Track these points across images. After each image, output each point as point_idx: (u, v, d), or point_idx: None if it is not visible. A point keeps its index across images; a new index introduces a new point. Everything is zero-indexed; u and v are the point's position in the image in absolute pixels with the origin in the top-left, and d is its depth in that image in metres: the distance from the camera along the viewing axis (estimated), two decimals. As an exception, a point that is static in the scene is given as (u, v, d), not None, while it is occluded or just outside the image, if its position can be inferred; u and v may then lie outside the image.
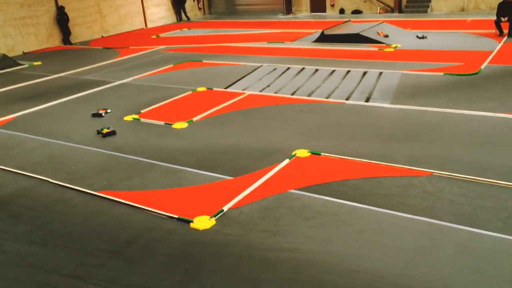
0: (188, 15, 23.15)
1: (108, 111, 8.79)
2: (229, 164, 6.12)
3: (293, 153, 6.23)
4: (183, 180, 5.73)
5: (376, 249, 4.09)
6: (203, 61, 12.89)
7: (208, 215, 4.78)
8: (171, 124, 7.80)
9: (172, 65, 12.60)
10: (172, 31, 19.49)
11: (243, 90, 9.75)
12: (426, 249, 4.03)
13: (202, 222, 4.63)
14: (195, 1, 24.33)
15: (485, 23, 15.09)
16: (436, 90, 8.77)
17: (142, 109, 8.74)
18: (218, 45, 15.41)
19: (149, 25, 21.60)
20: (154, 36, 18.40)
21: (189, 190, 5.46)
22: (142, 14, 21.28)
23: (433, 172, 5.41)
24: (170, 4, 22.74)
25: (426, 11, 19.44)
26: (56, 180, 5.91)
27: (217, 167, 6.02)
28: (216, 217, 4.75)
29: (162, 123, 7.92)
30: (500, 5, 13.20)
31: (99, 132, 7.56)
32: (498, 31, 13.26)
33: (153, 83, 10.79)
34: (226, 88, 10.00)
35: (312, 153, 6.20)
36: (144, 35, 18.96)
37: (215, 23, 21.47)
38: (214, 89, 9.92)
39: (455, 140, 6.40)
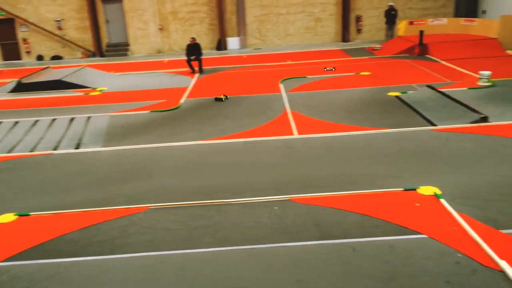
0: None
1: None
2: None
3: (-5, 220, 5.45)
4: None
5: (101, 298, 3.98)
6: None
7: None
8: None
9: None
10: None
11: None
12: (147, 283, 4.16)
13: None
14: None
15: (179, 63, 16.89)
16: (145, 127, 9.25)
17: None
18: None
19: None
20: None
21: None
22: None
23: (150, 206, 5.66)
24: None
25: (126, 54, 20.42)
26: None
27: None
28: None
29: None
30: (187, 46, 15.05)
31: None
32: (190, 69, 15.08)
33: None
34: None
35: (19, 215, 5.56)
36: None
37: None
38: None
39: (166, 172, 6.88)
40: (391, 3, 19.15)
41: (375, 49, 17.36)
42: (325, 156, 7.10)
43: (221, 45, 20.49)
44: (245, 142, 7.99)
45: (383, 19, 19.65)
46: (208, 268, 4.34)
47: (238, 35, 20.68)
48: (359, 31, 20.89)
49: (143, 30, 20.53)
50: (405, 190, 5.61)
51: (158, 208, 5.62)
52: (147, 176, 6.76)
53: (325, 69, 12.48)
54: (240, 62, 17.00)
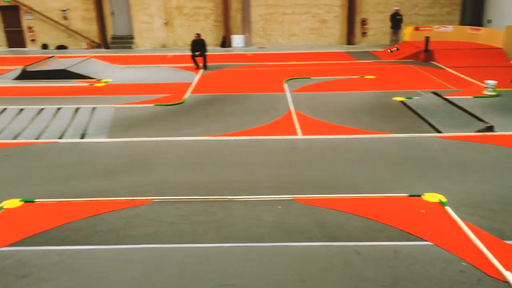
0: None
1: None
2: None
3: (0, 205, 5.44)
4: None
5: (104, 288, 3.98)
6: None
7: None
8: None
9: None
10: None
11: None
12: (150, 275, 4.16)
13: None
14: None
15: (184, 58, 16.86)
16: (149, 120, 9.24)
17: None
18: None
19: None
20: None
21: None
22: None
23: (154, 199, 5.66)
24: None
25: (131, 47, 20.38)
26: None
27: None
28: None
29: None
30: (192, 42, 15.03)
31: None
32: (195, 65, 15.05)
33: None
34: None
35: (24, 201, 5.56)
36: None
37: None
38: None
39: (170, 166, 6.88)
40: (396, 8, 19.18)
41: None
42: (329, 158, 7.10)
43: (225, 42, 20.48)
44: (249, 140, 7.99)
45: (388, 23, 19.66)
46: (210, 264, 4.34)
47: (243, 33, 20.67)
48: (364, 34, 20.91)
49: (148, 23, 20.49)
50: (410, 196, 5.62)
51: (162, 201, 5.62)
52: (150, 169, 6.75)
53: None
54: (244, 60, 16.99)
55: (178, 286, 4.00)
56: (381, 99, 10.70)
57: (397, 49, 15.91)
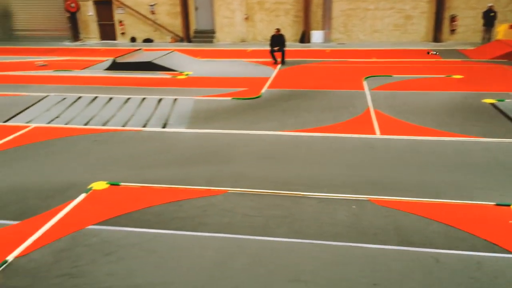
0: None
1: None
2: (13, 207, 5.40)
3: (89, 187, 5.87)
4: (-49, 233, 4.80)
5: (179, 273, 4.14)
6: (-26, 92, 11.18)
7: (-13, 270, 4.11)
8: None
9: None
10: None
11: (27, 122, 8.79)
12: (224, 264, 4.27)
13: (-20, 280, 3.95)
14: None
15: (262, 53, 17.02)
16: (226, 113, 9.45)
17: None
18: (-8, 73, 13.59)
19: None
20: None
21: (-40, 244, 4.60)
22: None
23: (229, 190, 5.79)
24: None
25: (212, 41, 20.95)
26: None
27: (-3, 213, 5.24)
28: (-2, 270, 4.12)
29: None
30: (272, 37, 15.13)
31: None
32: (273, 60, 15.13)
33: None
34: (5, 122, 8.85)
35: (110, 184, 5.95)
36: None
37: (-13, 49, 18.90)
38: (-10, 123, 8.69)
39: (246, 158, 6.99)
40: (490, 4, 17.88)
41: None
42: (408, 160, 6.82)
43: (304, 38, 20.34)
44: (325, 137, 7.89)
45: (480, 21, 18.40)
46: (282, 258, 4.36)
47: (323, 29, 20.38)
48: (452, 31, 19.73)
49: (230, 18, 20.90)
50: (497, 205, 5.24)
51: (237, 193, 5.73)
52: (227, 160, 6.91)
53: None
54: (323, 56, 16.78)
55: (250, 278, 4.07)
56: (469, 100, 10.05)
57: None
